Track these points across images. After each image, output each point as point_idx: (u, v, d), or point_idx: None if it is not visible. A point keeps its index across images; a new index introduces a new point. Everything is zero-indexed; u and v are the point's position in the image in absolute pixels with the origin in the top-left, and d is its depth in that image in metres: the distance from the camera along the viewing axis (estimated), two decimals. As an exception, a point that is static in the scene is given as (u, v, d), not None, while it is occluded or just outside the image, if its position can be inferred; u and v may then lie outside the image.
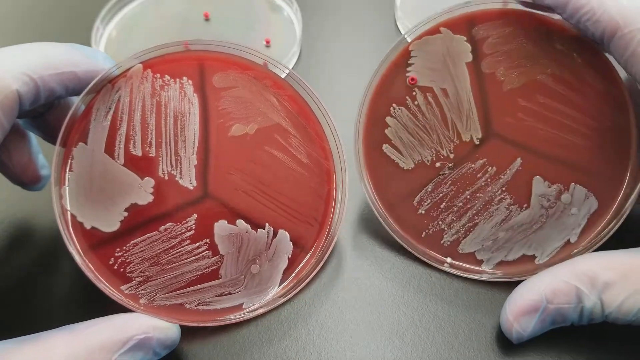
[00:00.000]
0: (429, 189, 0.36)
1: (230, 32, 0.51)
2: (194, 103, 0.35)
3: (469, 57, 0.35)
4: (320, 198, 0.37)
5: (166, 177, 0.34)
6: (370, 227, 0.39)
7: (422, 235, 0.36)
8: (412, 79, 0.36)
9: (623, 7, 0.30)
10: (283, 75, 0.37)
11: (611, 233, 0.34)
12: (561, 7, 0.32)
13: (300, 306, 0.35)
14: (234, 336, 0.34)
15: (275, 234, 0.35)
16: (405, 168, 0.36)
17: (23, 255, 0.38)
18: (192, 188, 0.35)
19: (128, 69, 0.35)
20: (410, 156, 0.36)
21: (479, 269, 0.35)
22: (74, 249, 0.33)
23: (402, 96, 0.36)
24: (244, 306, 0.34)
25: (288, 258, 0.35)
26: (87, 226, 0.33)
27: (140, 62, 0.35)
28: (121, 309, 0.31)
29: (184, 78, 0.35)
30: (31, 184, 0.36)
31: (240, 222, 0.35)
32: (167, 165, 0.35)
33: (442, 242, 0.36)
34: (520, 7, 0.35)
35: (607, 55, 0.34)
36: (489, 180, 0.35)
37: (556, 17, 0.34)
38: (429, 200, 0.36)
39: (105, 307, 0.31)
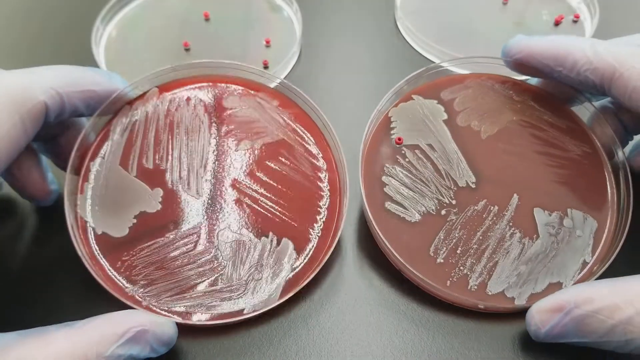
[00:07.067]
0: (442, 237, 0.36)
1: (230, 32, 0.51)
2: (204, 122, 0.38)
3: (444, 116, 0.40)
4: (323, 208, 0.37)
5: (174, 188, 0.36)
6: (370, 232, 0.39)
7: (448, 284, 0.35)
8: (399, 139, 0.39)
9: (616, 52, 0.34)
10: (290, 95, 0.40)
11: (621, 244, 0.35)
12: (561, 63, 0.36)
13: (300, 307, 0.36)
14: (235, 336, 0.34)
15: (278, 243, 0.36)
16: (412, 221, 0.37)
17: (30, 257, 0.38)
18: (198, 198, 0.36)
19: (145, 92, 0.38)
20: (415, 208, 0.37)
21: (513, 306, 0.34)
22: (84, 252, 0.34)
23: (392, 156, 0.38)
24: (245, 311, 0.34)
25: (290, 266, 0.36)
26: (98, 231, 0.35)
27: (156, 86, 0.38)
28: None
29: (196, 99, 0.39)
30: (41, 199, 0.37)
31: (244, 231, 0.36)
32: (176, 177, 0.37)
33: (468, 287, 0.35)
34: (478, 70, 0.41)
35: (560, 99, 0.40)
36: (494, 218, 0.37)
37: (522, 77, 0.41)
38: (445, 248, 0.36)
39: (110, 308, 0.31)
